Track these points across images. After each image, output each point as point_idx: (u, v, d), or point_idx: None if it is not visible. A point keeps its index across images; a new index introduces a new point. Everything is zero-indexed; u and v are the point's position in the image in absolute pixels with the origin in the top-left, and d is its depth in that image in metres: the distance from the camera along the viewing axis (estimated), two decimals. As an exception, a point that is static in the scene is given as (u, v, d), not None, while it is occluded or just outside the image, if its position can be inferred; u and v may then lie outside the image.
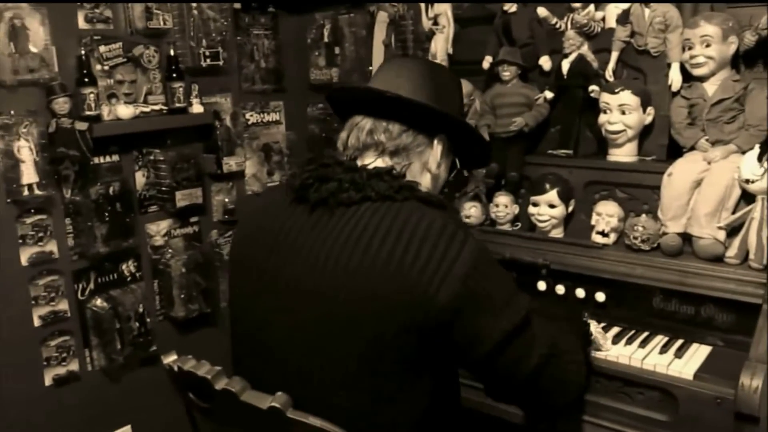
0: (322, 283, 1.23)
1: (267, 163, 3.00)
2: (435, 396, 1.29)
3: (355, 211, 1.26)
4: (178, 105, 2.53)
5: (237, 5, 2.82)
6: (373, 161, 1.37)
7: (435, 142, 1.43)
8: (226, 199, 2.85)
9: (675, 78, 1.92)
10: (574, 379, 1.42)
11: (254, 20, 2.90)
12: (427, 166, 1.43)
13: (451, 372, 1.41)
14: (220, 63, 2.71)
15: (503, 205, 2.09)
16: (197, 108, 2.60)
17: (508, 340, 1.24)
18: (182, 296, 2.65)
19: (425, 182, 1.43)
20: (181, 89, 2.52)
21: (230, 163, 2.78)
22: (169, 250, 2.65)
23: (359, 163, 1.37)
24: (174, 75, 2.51)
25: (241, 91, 2.88)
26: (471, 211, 2.14)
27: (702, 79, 1.86)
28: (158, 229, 2.63)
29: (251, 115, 2.93)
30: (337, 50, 2.92)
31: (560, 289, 1.93)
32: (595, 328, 1.68)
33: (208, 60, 2.66)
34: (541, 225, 2.02)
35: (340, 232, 1.25)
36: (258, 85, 2.94)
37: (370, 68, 2.63)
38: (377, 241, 1.20)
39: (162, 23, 2.51)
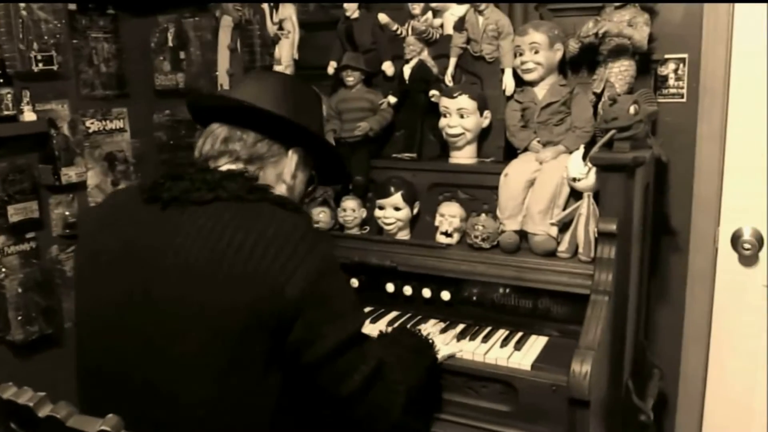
0: (173, 286, 1.21)
1: (111, 172, 2.86)
2: (283, 397, 1.29)
3: (206, 209, 1.25)
4: (6, 113, 2.36)
5: (72, 6, 2.67)
6: (222, 165, 1.38)
7: (290, 153, 1.44)
8: (67, 212, 2.69)
9: (508, 83, 2.01)
10: (394, 407, 1.40)
11: (92, 22, 2.76)
12: (282, 176, 1.44)
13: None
14: (55, 67, 2.56)
15: (351, 209, 2.11)
16: (29, 115, 2.44)
17: (340, 350, 1.25)
18: (19, 318, 2.48)
19: (280, 192, 1.43)
20: (9, 95, 2.36)
21: (69, 174, 2.63)
22: (3, 269, 2.46)
23: (212, 165, 1.38)
24: (1, 80, 2.34)
25: (80, 97, 2.74)
26: (320, 216, 2.14)
27: (532, 83, 1.95)
28: (-11, 246, 2.44)
29: (92, 123, 2.79)
30: (182, 55, 2.84)
31: (408, 290, 1.98)
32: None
33: (40, 64, 2.51)
34: (387, 228, 2.05)
35: (190, 230, 1.23)
36: (99, 90, 2.80)
37: (216, 73, 2.57)
38: (227, 240, 1.20)
39: (-14, 25, 2.33)
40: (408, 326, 1.85)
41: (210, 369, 1.20)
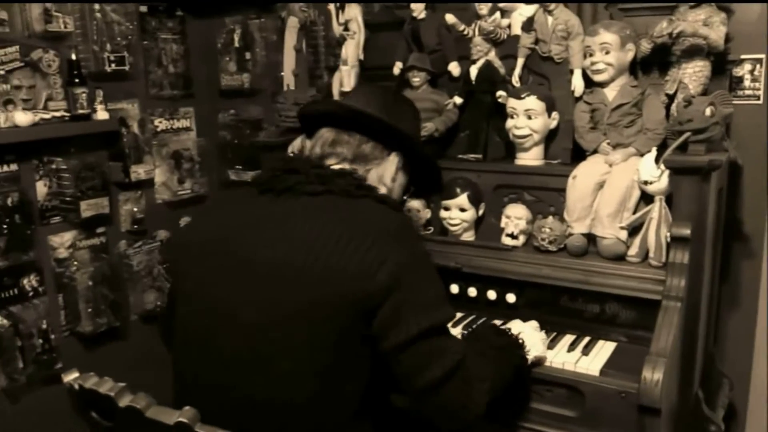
0: (276, 276, 1.28)
1: (177, 170, 2.93)
2: (373, 381, 1.34)
3: (317, 201, 1.35)
4: (81, 111, 2.43)
5: (143, 8, 2.74)
6: (333, 165, 1.48)
7: (391, 156, 1.55)
8: (135, 209, 2.77)
9: (577, 84, 1.98)
10: (473, 403, 1.38)
11: (161, 24, 2.83)
12: (383, 179, 1.54)
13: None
14: (126, 68, 2.63)
15: (415, 210, 2.11)
16: (102, 114, 2.51)
17: (421, 339, 1.28)
18: (89, 310, 2.56)
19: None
20: (84, 95, 2.43)
21: (138, 171, 2.71)
22: (74, 263, 2.54)
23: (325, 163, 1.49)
24: (76, 80, 2.42)
25: (149, 96, 2.81)
26: (384, 216, 2.15)
27: (602, 84, 1.92)
28: (62, 240, 2.52)
29: (160, 122, 2.86)
30: (247, 55, 2.88)
31: (472, 292, 1.96)
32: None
33: (113, 65, 2.59)
34: (452, 229, 2.04)
35: (302, 217, 1.33)
36: (166, 90, 2.87)
37: (282, 74, 2.60)
38: (329, 232, 1.28)
39: (62, 26, 2.41)
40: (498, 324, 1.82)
41: (314, 363, 1.26)
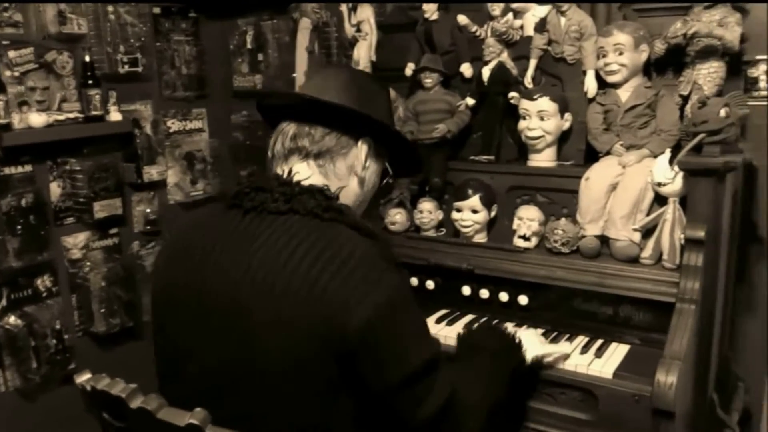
0: (246, 303, 1.21)
1: (190, 171, 2.94)
2: (359, 423, 1.26)
3: (284, 222, 1.25)
4: (94, 113, 2.45)
5: (156, 10, 2.76)
6: (303, 172, 1.36)
7: (359, 143, 1.42)
8: (148, 210, 2.78)
9: (590, 85, 1.97)
10: (471, 429, 1.37)
11: (174, 25, 2.85)
12: (353, 169, 1.42)
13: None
14: (140, 69, 2.65)
15: (427, 211, 2.10)
16: (115, 116, 2.53)
17: (413, 379, 1.22)
18: (103, 310, 2.57)
19: (352, 186, 1.43)
20: (97, 96, 2.45)
21: (151, 172, 2.72)
22: (88, 263, 2.56)
23: (295, 176, 1.35)
24: (90, 82, 2.43)
25: (162, 98, 2.82)
26: (396, 217, 2.15)
27: (616, 85, 1.91)
28: (75, 241, 2.54)
29: (173, 123, 2.87)
30: (260, 57, 2.89)
31: (484, 294, 1.96)
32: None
33: (126, 66, 2.60)
34: (464, 230, 2.04)
35: (264, 241, 1.24)
36: (179, 92, 2.88)
37: (294, 75, 2.60)
38: (298, 257, 1.19)
39: (76, 28, 2.43)
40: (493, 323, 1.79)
41: (280, 390, 1.19)
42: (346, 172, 1.41)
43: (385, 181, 1.55)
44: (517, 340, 1.61)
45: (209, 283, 1.27)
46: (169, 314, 1.35)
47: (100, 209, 2.52)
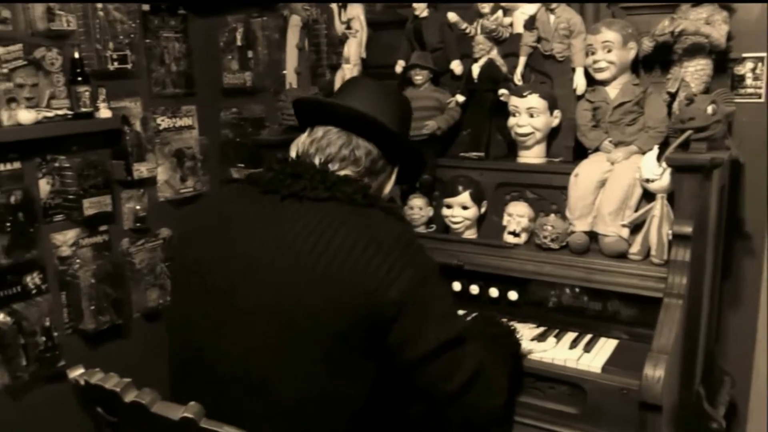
0: (277, 281, 1.26)
1: (180, 169, 2.93)
2: (376, 391, 1.32)
3: (323, 207, 1.32)
4: (84, 110, 2.43)
5: (145, 7, 2.75)
6: (340, 170, 1.43)
7: (395, 169, 1.53)
8: (137, 207, 2.77)
9: (579, 82, 1.99)
10: (494, 405, 1.44)
11: (164, 22, 2.84)
12: (381, 188, 1.51)
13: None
14: (129, 66, 2.64)
15: (417, 208, 2.11)
16: (105, 113, 2.52)
17: (440, 352, 1.29)
18: (92, 308, 2.56)
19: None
20: (86, 93, 2.43)
21: (141, 170, 2.71)
22: (77, 261, 2.55)
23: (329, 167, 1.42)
24: (79, 78, 2.42)
25: (152, 95, 2.81)
26: (386, 214, 2.16)
27: (604, 83, 1.93)
28: (65, 238, 2.52)
29: (162, 120, 2.86)
30: (250, 54, 2.89)
31: (474, 289, 1.97)
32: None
33: (115, 63, 2.59)
34: (454, 226, 2.05)
35: (306, 223, 1.29)
36: (169, 89, 2.87)
37: (284, 72, 2.60)
38: (339, 238, 1.26)
39: (65, 24, 2.41)
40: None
41: (306, 363, 1.24)
42: (376, 189, 1.48)
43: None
44: (512, 327, 1.69)
45: (251, 265, 1.29)
46: (196, 301, 1.36)
47: (90, 206, 2.51)
